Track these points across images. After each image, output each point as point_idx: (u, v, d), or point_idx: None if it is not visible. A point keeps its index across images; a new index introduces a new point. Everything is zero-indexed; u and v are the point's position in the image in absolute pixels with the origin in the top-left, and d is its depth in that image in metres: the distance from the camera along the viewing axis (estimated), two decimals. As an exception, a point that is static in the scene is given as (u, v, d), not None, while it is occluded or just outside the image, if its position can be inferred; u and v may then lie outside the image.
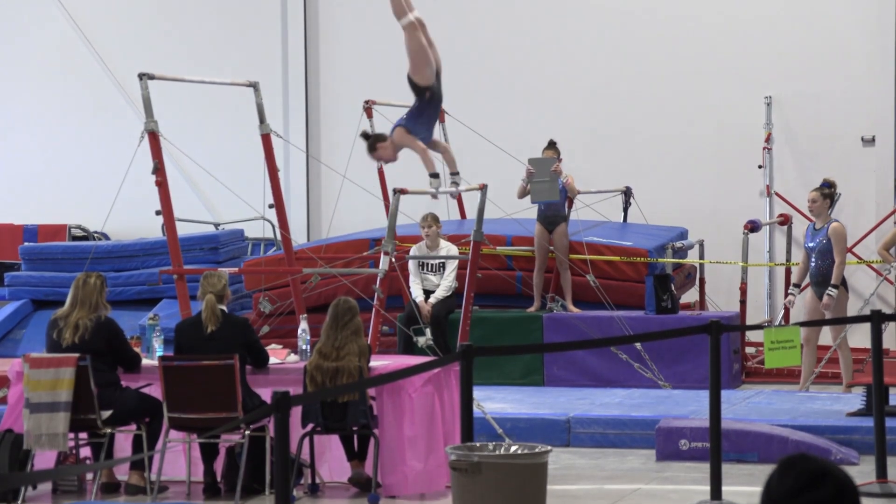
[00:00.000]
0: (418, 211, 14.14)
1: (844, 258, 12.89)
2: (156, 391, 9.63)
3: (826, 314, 12.81)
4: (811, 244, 12.96)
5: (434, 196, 11.56)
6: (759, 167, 17.30)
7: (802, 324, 11.36)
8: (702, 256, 16.06)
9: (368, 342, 9.74)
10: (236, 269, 13.63)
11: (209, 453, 9.60)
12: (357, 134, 11.60)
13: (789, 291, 13.44)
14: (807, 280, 13.22)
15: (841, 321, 12.84)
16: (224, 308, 9.60)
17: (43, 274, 16.31)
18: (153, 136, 11.32)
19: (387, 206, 14.04)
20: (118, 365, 9.68)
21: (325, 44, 18.74)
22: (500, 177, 15.10)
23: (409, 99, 11.77)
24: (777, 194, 17.40)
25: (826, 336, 13.92)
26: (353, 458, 9.60)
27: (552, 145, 14.50)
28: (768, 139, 17.25)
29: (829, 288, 12.75)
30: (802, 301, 13.37)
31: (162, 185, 11.37)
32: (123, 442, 9.85)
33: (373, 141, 11.31)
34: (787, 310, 16.29)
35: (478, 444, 7.31)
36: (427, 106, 11.14)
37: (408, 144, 11.13)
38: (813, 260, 12.92)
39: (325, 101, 18.75)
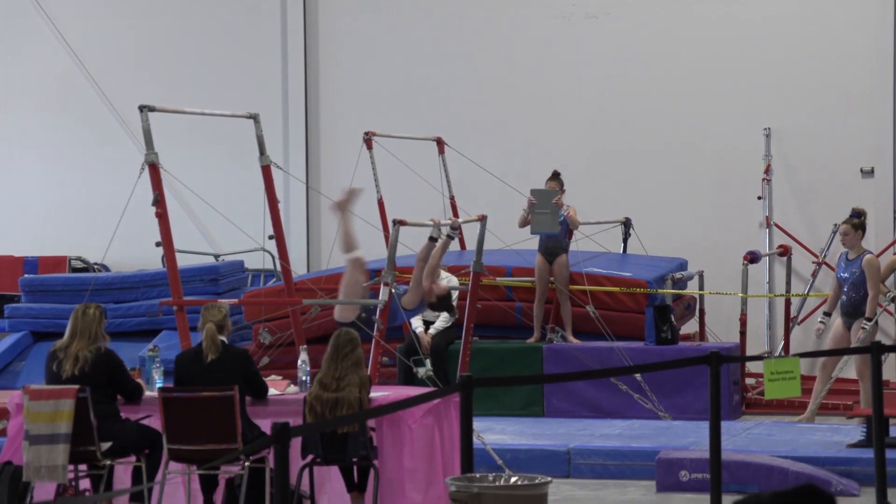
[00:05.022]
0: (418, 242, 14.14)
1: (878, 291, 12.86)
2: (155, 423, 9.61)
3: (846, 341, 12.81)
4: (844, 275, 12.91)
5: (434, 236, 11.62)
6: (759, 198, 17.32)
7: (802, 355, 11.35)
8: (701, 287, 16.07)
9: (368, 373, 9.73)
10: (236, 301, 13.63)
11: (209, 485, 9.58)
12: (356, 165, 11.60)
13: (819, 320, 13.44)
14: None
15: (841, 352, 12.84)
16: (224, 339, 9.59)
17: (43, 306, 16.32)
18: (153, 168, 11.33)
19: (386, 238, 14.05)
20: (120, 396, 9.67)
21: (326, 76, 18.79)
22: (500, 208, 15.12)
23: (409, 130, 11.81)
24: (776, 225, 17.41)
25: (818, 368, 13.90)
26: (353, 489, 9.58)
27: (556, 176, 14.50)
28: (767, 170, 17.28)
29: (864, 321, 12.71)
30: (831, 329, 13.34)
31: (162, 216, 11.37)
32: (123, 474, 9.83)
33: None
34: (787, 341, 16.29)
35: (478, 476, 7.30)
36: None
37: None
38: (845, 290, 12.89)
39: (325, 133, 18.78)
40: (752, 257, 15.68)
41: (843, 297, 12.92)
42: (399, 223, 11.56)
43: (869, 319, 12.73)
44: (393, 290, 10.97)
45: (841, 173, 17.27)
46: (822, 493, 3.78)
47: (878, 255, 16.47)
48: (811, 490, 3.78)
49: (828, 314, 13.36)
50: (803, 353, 12.60)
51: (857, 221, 13.03)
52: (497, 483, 7.22)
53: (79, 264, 18.36)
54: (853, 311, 12.84)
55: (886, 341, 16.25)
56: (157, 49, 19.13)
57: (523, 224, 14.27)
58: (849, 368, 15.34)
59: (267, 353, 13.19)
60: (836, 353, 12.90)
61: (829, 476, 10.82)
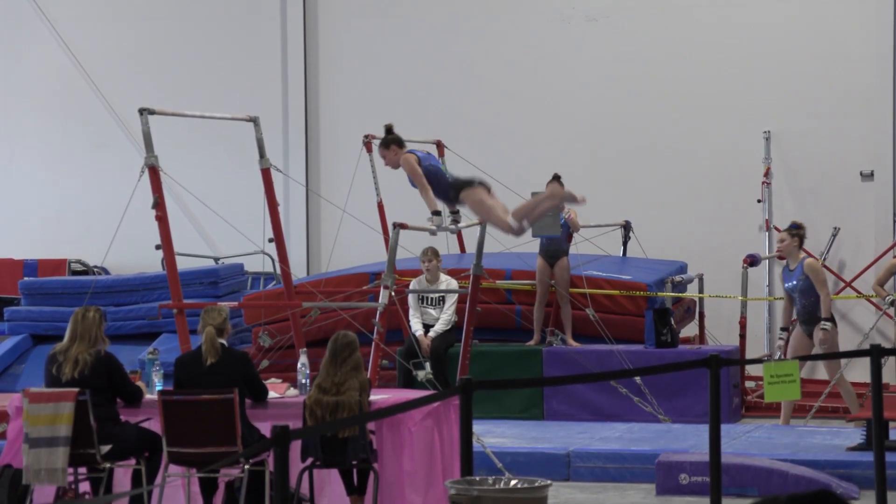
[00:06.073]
0: (418, 245, 14.16)
1: (828, 290, 12.96)
2: (155, 426, 9.62)
3: (821, 350, 12.85)
4: (789, 285, 13.05)
5: (433, 233, 11.59)
6: (758, 201, 17.32)
7: (802, 358, 11.36)
8: (701, 290, 16.07)
9: (368, 376, 9.72)
10: (236, 304, 13.63)
11: (208, 488, 9.58)
12: (356, 168, 11.61)
13: (779, 336, 13.44)
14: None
15: (840, 355, 12.85)
16: (224, 342, 9.60)
17: (42, 309, 16.31)
18: (153, 171, 11.34)
19: (386, 240, 14.05)
20: (120, 399, 9.67)
21: (325, 78, 18.79)
22: (500, 211, 15.08)
23: (408, 133, 11.81)
24: (776, 228, 17.38)
25: (821, 371, 13.92)
26: (353, 492, 9.58)
27: (556, 179, 14.51)
28: (767, 174, 17.28)
29: (822, 322, 12.78)
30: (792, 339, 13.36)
31: (162, 219, 11.38)
32: (123, 477, 9.83)
33: (390, 140, 11.26)
34: (786, 344, 16.31)
35: (477, 479, 7.29)
36: (447, 199, 11.20)
37: (411, 173, 11.11)
38: (797, 299, 12.99)
39: (325, 136, 18.79)
40: (752, 260, 15.68)
41: (797, 306, 13.02)
42: (399, 226, 11.56)
43: (827, 320, 12.81)
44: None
45: (841, 177, 17.27)
46: (838, 499, 3.79)
47: (879, 258, 16.52)
48: (828, 496, 3.79)
49: (785, 329, 13.36)
50: (803, 356, 12.63)
51: (796, 232, 13.18)
52: (497, 486, 7.22)
53: (78, 267, 18.36)
54: (809, 317, 12.93)
55: (886, 344, 16.25)
56: (157, 51, 19.14)
57: (523, 227, 14.25)
58: (848, 372, 15.33)
59: (266, 355, 13.20)
60: (834, 356, 12.90)
61: (829, 479, 10.82)
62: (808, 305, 12.92)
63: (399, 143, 11.26)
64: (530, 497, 7.21)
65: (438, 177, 11.11)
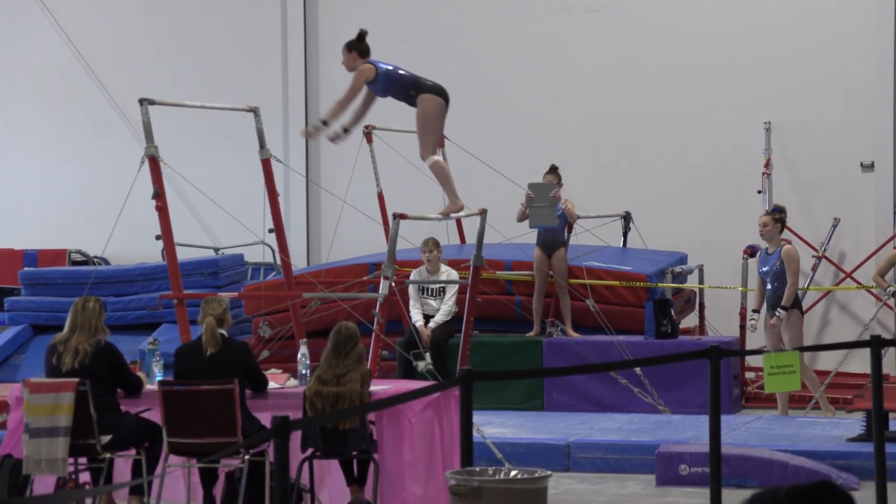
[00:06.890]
0: (418, 236, 14.15)
1: (797, 280, 13.06)
2: (155, 416, 9.62)
3: (784, 336, 12.92)
4: (765, 268, 13.15)
5: (432, 219, 11.67)
6: (759, 192, 17.31)
7: (801, 349, 11.36)
8: (701, 281, 16.07)
9: (368, 367, 9.72)
10: (236, 294, 13.62)
11: (209, 478, 9.58)
12: (356, 159, 11.62)
13: (749, 318, 13.53)
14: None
15: (840, 346, 12.90)
16: (224, 333, 9.60)
17: (43, 299, 16.32)
18: (154, 161, 11.33)
19: (387, 231, 14.05)
20: (120, 389, 9.68)
21: (326, 69, 18.78)
22: (500, 201, 15.12)
23: (408, 124, 11.83)
24: (777, 219, 17.40)
25: (820, 361, 13.93)
26: (353, 482, 9.58)
27: (553, 170, 14.54)
28: (767, 164, 17.26)
29: (778, 309, 12.88)
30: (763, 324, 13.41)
31: (162, 209, 11.38)
32: (123, 467, 9.83)
33: (353, 45, 11.61)
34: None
35: (477, 469, 7.29)
36: (406, 98, 11.48)
37: (351, 83, 11.40)
38: (768, 284, 13.08)
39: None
40: (752, 251, 15.69)
41: (768, 290, 13.12)
42: (399, 217, 11.55)
43: (784, 308, 12.87)
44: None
45: (841, 167, 17.26)
46: (839, 490, 3.81)
47: (879, 249, 16.51)
48: (828, 487, 3.80)
49: (756, 311, 13.42)
50: (803, 346, 12.64)
51: (778, 216, 13.28)
52: (497, 477, 7.22)
53: (79, 257, 18.36)
54: (776, 302, 13.02)
55: (886, 335, 16.25)
56: (158, 42, 19.12)
57: (521, 218, 14.30)
58: (848, 362, 15.35)
59: (267, 346, 13.19)
60: (835, 347, 12.91)
61: (829, 470, 10.83)
62: (779, 290, 13.01)
63: (361, 52, 11.58)
64: (530, 488, 7.21)
65: (400, 77, 11.40)
